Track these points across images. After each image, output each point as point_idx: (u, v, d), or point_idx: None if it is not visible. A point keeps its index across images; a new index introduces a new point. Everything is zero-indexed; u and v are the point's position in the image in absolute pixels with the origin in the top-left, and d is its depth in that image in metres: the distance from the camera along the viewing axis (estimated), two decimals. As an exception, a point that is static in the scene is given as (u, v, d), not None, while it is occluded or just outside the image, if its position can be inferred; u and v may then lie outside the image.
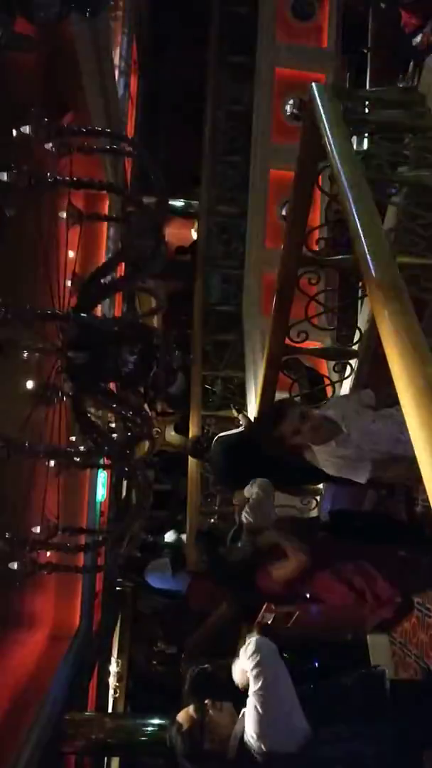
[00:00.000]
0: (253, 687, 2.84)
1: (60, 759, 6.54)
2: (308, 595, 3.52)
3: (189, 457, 7.50)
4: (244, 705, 3.04)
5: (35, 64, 4.99)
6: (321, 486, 5.05)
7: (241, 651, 3.00)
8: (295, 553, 3.47)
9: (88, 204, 5.31)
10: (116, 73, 7.32)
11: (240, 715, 2.92)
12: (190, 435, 7.19)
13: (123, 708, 11.97)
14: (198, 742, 2.81)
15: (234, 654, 5.15)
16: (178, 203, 10.74)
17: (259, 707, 2.77)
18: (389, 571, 3.46)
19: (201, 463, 6.98)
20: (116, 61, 7.55)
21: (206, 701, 2.92)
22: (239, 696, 3.48)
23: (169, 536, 8.68)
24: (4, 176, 2.80)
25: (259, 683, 2.81)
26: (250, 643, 2.97)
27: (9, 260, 4.08)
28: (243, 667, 2.97)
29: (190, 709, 2.90)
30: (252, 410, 6.07)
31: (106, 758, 10.35)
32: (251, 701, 2.84)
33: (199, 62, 10.98)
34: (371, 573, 3.44)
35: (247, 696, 3.28)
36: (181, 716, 2.92)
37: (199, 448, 4.85)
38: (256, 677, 2.83)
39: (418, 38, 6.99)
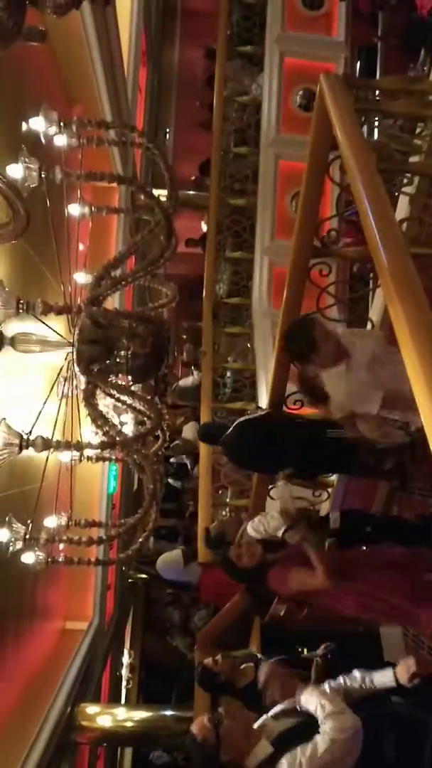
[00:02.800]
0: (322, 747, 2.54)
1: (74, 749, 6.59)
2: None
3: (199, 448, 7.52)
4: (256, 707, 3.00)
5: (45, 55, 4.99)
6: (334, 478, 5.05)
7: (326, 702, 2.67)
8: (323, 574, 3.34)
9: (97, 196, 5.32)
10: (125, 64, 7.30)
11: (264, 733, 2.71)
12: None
13: (136, 699, 12.05)
14: (213, 754, 2.63)
15: (246, 645, 5.18)
16: (188, 195, 10.71)
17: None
18: (416, 595, 3.37)
19: (212, 454, 6.98)
20: (125, 51, 7.52)
21: (220, 709, 2.74)
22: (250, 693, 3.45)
23: (188, 430, 8.71)
24: (18, 170, 2.81)
25: (323, 748, 2.53)
26: (344, 713, 2.62)
27: (22, 254, 4.08)
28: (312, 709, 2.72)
29: (205, 718, 2.72)
30: (263, 402, 6.07)
31: (119, 749, 10.44)
32: (301, 752, 2.55)
33: (206, 56, 10.94)
34: (391, 595, 3.37)
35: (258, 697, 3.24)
36: (195, 726, 2.74)
37: (208, 434, 4.84)
38: (328, 746, 2.54)
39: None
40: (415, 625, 3.41)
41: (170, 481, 9.50)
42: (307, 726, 2.66)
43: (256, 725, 2.80)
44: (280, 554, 3.64)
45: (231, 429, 4.27)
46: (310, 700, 2.72)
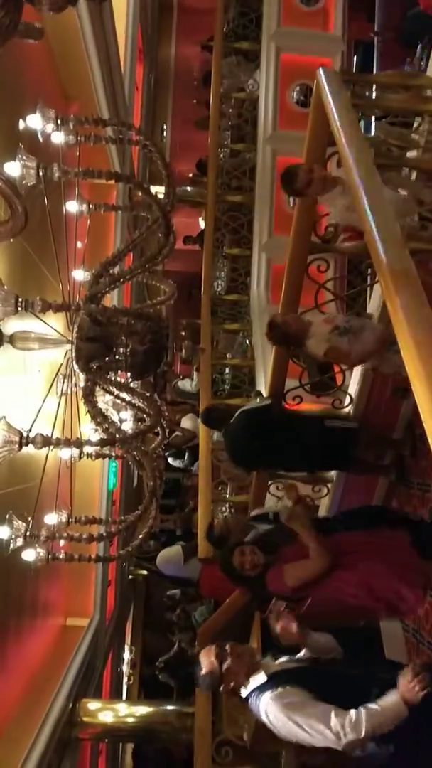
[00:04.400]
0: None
1: (75, 745, 6.61)
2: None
3: (200, 445, 7.53)
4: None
5: (41, 52, 4.98)
6: (333, 474, 5.06)
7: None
8: (319, 555, 3.44)
9: (95, 194, 5.32)
10: (122, 60, 7.29)
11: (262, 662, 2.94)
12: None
13: (137, 695, 12.08)
14: (216, 683, 2.91)
15: (246, 641, 5.19)
16: (186, 191, 10.70)
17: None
18: (405, 576, 3.42)
19: (212, 451, 6.99)
20: (122, 48, 7.51)
21: (227, 646, 2.90)
22: None
23: (186, 421, 8.75)
24: (16, 168, 2.81)
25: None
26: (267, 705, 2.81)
27: (20, 252, 4.08)
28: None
29: (212, 652, 2.90)
30: (263, 388, 6.10)
31: (120, 744, 10.47)
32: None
33: (203, 50, 10.92)
34: (393, 582, 3.41)
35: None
36: (203, 658, 2.94)
37: (213, 417, 4.85)
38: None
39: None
40: (405, 605, 3.44)
41: (171, 461, 9.47)
42: (303, 671, 2.90)
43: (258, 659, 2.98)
44: (276, 555, 3.65)
45: (234, 418, 4.28)
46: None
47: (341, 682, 2.85)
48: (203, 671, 2.91)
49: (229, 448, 4.80)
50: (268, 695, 2.76)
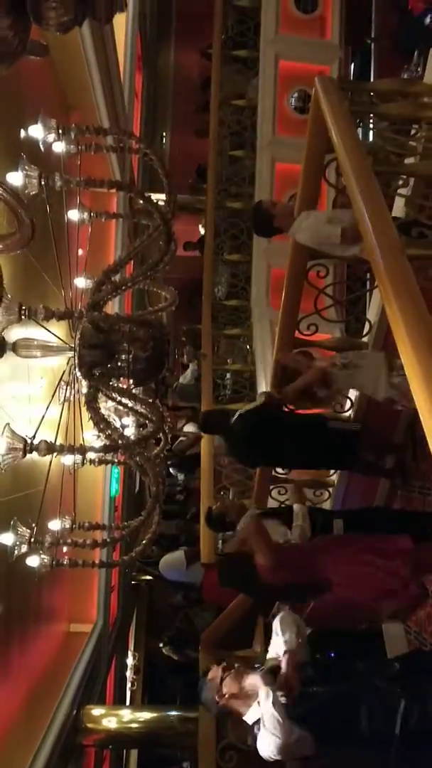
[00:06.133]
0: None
1: (80, 751, 6.61)
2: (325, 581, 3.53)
3: (201, 450, 7.55)
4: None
5: (42, 63, 5.02)
6: (335, 478, 5.08)
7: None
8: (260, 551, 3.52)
9: (96, 202, 5.35)
10: (122, 69, 7.33)
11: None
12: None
13: (140, 700, 12.06)
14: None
15: (249, 646, 5.20)
16: (186, 198, 10.76)
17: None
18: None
19: (214, 456, 7.02)
20: (121, 57, 7.56)
21: (236, 665, 3.00)
22: None
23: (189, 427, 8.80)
24: (18, 178, 2.84)
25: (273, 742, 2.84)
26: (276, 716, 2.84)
27: (23, 260, 4.12)
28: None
29: (218, 669, 3.00)
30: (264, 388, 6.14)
31: (125, 750, 10.45)
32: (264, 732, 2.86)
33: (203, 56, 10.97)
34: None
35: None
36: (210, 675, 3.02)
37: (212, 421, 4.89)
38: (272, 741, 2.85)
39: (428, 19, 6.93)
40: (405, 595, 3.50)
41: (171, 471, 9.54)
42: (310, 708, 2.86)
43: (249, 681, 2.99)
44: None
45: (233, 420, 4.32)
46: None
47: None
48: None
49: (232, 449, 4.82)
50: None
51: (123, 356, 2.86)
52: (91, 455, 3.09)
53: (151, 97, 13.53)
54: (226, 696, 2.95)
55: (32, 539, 2.92)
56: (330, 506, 5.18)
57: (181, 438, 8.45)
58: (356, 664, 3.01)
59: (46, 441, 2.79)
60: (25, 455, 2.77)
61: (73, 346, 2.99)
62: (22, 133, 3.02)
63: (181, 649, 9.11)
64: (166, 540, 9.97)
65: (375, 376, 3.77)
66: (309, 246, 3.83)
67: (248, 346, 8.40)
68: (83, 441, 3.30)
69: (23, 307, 2.90)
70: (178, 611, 9.03)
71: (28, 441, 2.76)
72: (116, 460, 3.60)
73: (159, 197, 3.27)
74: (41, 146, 2.97)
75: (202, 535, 6.57)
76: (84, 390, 2.93)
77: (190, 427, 8.88)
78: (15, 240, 2.59)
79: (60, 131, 2.98)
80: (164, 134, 13.77)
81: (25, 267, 4.19)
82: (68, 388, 3.25)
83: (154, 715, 7.23)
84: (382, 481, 4.92)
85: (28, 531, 2.92)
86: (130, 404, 3.12)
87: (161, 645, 9.82)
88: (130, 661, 11.75)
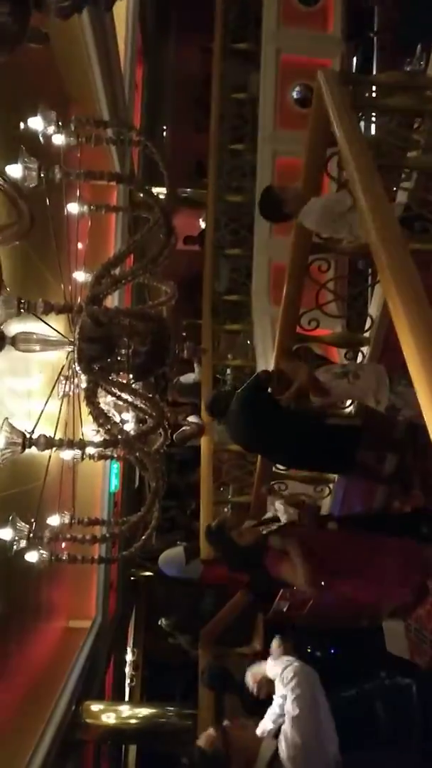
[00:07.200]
0: (291, 713, 2.67)
1: (78, 747, 6.61)
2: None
3: (201, 446, 7.53)
4: (258, 709, 3.03)
5: (42, 54, 4.98)
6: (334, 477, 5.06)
7: (277, 677, 2.87)
8: (303, 582, 3.49)
9: (95, 195, 5.32)
10: (122, 61, 7.29)
11: (267, 736, 2.76)
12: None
13: (139, 696, 12.08)
14: (223, 765, 2.67)
15: (249, 643, 5.19)
16: (186, 192, 10.70)
17: (297, 735, 2.59)
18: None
19: (215, 451, 7.00)
20: (122, 49, 7.51)
21: (225, 723, 2.82)
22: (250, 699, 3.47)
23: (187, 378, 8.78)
24: (18, 170, 2.81)
25: (297, 711, 2.65)
26: (288, 667, 2.83)
27: (22, 253, 4.09)
28: (271, 677, 2.97)
29: (211, 731, 2.76)
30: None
31: (123, 746, 10.47)
32: (287, 727, 2.66)
33: (204, 49, 10.92)
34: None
35: (259, 700, 3.27)
36: (202, 740, 2.76)
37: (219, 404, 4.83)
38: (295, 703, 2.68)
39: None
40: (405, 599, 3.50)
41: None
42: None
43: (258, 731, 2.84)
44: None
45: (231, 404, 4.28)
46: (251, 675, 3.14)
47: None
48: (207, 753, 2.72)
49: (233, 431, 4.77)
50: None
51: (123, 350, 2.84)
52: (90, 450, 3.07)
53: (152, 89, 13.47)
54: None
55: (31, 534, 2.90)
56: (329, 504, 5.16)
57: (184, 427, 8.39)
58: (359, 664, 3.01)
59: (45, 435, 2.77)
60: (24, 450, 2.74)
61: (72, 340, 2.96)
62: (22, 125, 2.99)
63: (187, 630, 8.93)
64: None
65: (376, 386, 3.73)
66: (314, 231, 3.79)
67: (249, 342, 8.37)
68: (82, 436, 3.28)
69: (22, 301, 2.87)
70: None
71: (27, 435, 2.74)
72: (116, 455, 3.58)
73: (160, 190, 3.25)
74: (41, 138, 2.94)
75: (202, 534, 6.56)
76: (83, 384, 2.91)
77: (191, 418, 8.86)
78: (14, 231, 2.56)
79: (60, 123, 2.95)
80: (165, 127, 13.72)
81: (23, 260, 4.16)
82: (67, 382, 3.22)
83: (153, 710, 7.24)
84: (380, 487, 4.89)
85: (27, 526, 2.90)
86: (129, 399, 3.10)
87: (160, 623, 9.60)
88: (129, 657, 11.77)
